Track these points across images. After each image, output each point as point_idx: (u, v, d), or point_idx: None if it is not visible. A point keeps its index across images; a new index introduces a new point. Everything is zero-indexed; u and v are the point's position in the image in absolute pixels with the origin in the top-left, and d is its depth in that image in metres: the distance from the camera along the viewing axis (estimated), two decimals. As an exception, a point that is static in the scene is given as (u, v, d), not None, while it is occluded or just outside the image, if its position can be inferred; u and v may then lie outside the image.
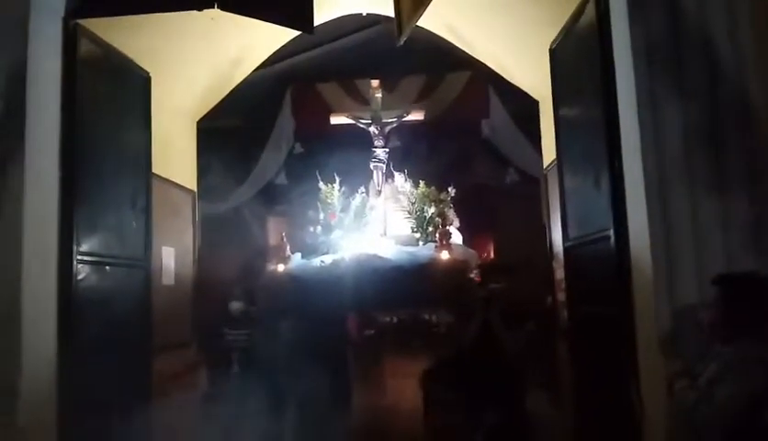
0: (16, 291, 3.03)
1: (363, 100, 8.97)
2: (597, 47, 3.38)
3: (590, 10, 3.50)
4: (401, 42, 4.26)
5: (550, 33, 4.24)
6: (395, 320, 6.28)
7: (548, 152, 5.28)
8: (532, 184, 8.09)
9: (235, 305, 4.76)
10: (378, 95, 8.08)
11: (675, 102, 2.97)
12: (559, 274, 4.87)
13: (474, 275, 6.35)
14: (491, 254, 9.45)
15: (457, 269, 6.47)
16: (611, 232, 3.25)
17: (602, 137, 3.34)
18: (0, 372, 2.98)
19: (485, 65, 6.22)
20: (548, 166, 5.11)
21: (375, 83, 8.17)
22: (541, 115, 5.50)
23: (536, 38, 4.55)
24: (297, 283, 6.24)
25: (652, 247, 2.88)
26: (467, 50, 5.81)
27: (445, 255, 6.60)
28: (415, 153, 8.69)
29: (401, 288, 6.25)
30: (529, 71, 5.30)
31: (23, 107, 3.21)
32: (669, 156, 2.96)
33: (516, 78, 5.72)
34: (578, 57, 3.73)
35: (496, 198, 9.96)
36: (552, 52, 4.19)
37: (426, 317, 6.40)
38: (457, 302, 5.73)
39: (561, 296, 4.87)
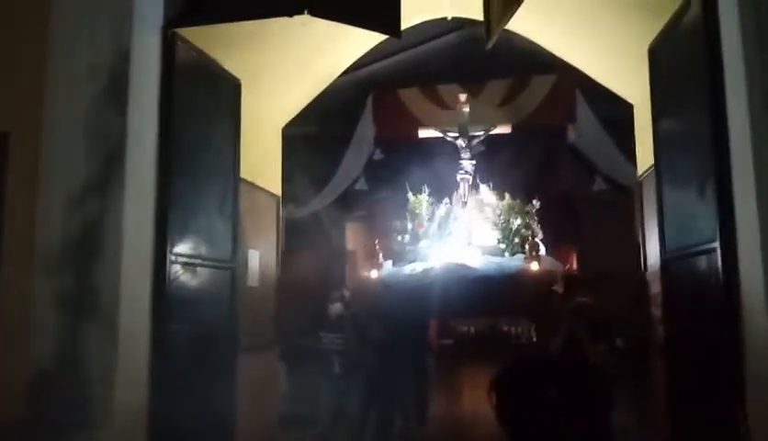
0: (116, 289, 3.16)
1: (445, 106, 8.90)
2: (703, 45, 3.16)
3: (695, 5, 3.28)
4: (490, 45, 4.17)
5: (647, 34, 4.03)
6: (486, 328, 6.40)
7: (643, 159, 5.02)
8: (621, 192, 7.75)
9: (336, 308, 4.80)
10: (466, 109, 8.20)
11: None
12: (654, 287, 4.60)
13: (561, 287, 6.28)
14: (575, 266, 9.14)
15: (545, 281, 6.50)
16: (717, 245, 3.02)
17: (707, 141, 3.12)
18: (96, 380, 3.10)
19: (573, 69, 6.00)
20: (644, 174, 4.84)
21: (463, 97, 8.33)
22: (635, 120, 5.23)
23: (632, 39, 4.33)
24: (390, 290, 6.48)
25: (765, 262, 2.65)
26: (555, 53, 5.62)
27: (534, 267, 6.69)
28: (500, 163, 8.66)
29: (490, 297, 6.35)
30: (623, 74, 5.07)
31: (125, 113, 3.36)
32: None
33: (609, 81, 5.48)
34: (681, 57, 3.51)
35: (583, 208, 9.62)
36: (651, 53, 3.96)
37: (513, 327, 6.48)
38: (545, 314, 5.66)
39: (656, 311, 4.61)
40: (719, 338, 3.02)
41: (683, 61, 3.50)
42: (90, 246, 3.21)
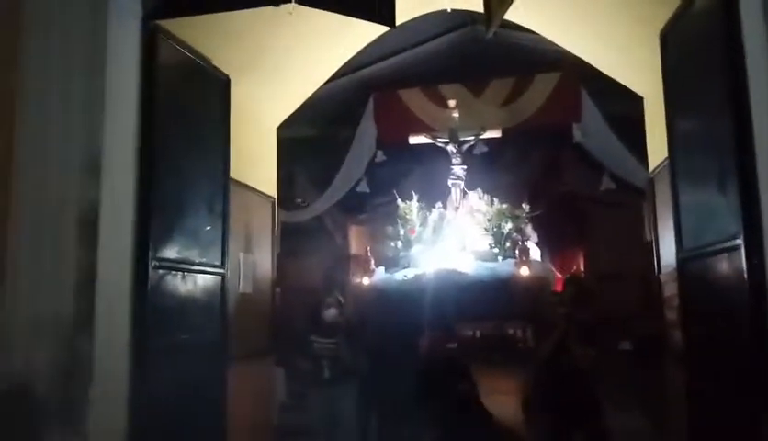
0: (90, 298, 2.94)
1: (447, 105, 8.70)
2: (722, 27, 2.92)
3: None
4: (491, 34, 3.97)
5: (657, 19, 3.79)
6: (477, 334, 6.43)
7: (655, 153, 4.78)
8: (631, 191, 7.51)
9: (331, 312, 4.65)
10: (456, 114, 8.26)
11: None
12: (669, 288, 4.35)
13: (554, 290, 6.24)
14: (581, 268, 8.90)
15: (536, 285, 6.53)
16: (740, 241, 2.77)
17: (728, 131, 2.88)
18: (72, 382, 2.89)
19: (578, 65, 5.78)
20: (656, 169, 4.60)
21: (452, 103, 8.40)
22: (646, 113, 4.99)
23: (641, 24, 4.10)
24: (383, 296, 6.53)
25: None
26: (558, 42, 5.38)
27: (524, 271, 6.65)
28: (493, 167, 8.69)
29: (482, 302, 6.35)
30: (632, 63, 4.82)
31: (102, 110, 3.15)
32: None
33: (617, 73, 5.23)
34: (696, 41, 3.27)
35: (589, 208, 9.38)
36: (663, 38, 3.72)
37: (506, 332, 6.48)
38: (538, 318, 5.57)
39: (670, 313, 4.36)
40: (745, 340, 2.77)
41: (698, 45, 3.26)
42: (62, 250, 2.99)
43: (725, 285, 2.97)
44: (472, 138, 8.11)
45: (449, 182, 8.05)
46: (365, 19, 3.81)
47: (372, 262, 7.43)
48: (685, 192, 3.52)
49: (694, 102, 3.40)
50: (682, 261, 3.56)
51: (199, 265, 3.74)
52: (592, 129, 8.30)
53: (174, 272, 3.50)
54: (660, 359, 4.45)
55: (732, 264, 2.86)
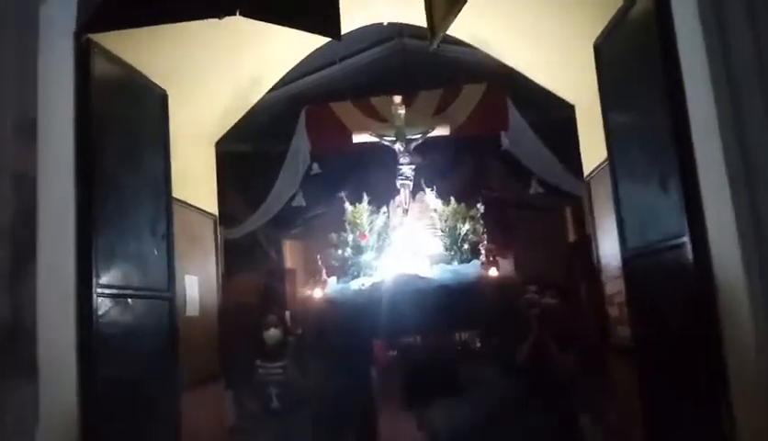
0: (31, 330, 2.73)
1: (378, 117, 8.73)
2: (658, 36, 3.07)
3: (644, -2, 3.21)
4: (434, 47, 4.01)
5: (588, 31, 3.97)
6: (445, 343, 5.85)
7: (589, 158, 4.98)
8: (561, 196, 7.80)
9: (272, 333, 4.35)
10: (402, 111, 7.79)
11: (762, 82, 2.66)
12: (610, 287, 4.54)
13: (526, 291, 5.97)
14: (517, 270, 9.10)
15: (508, 286, 6.04)
16: (686, 238, 2.92)
17: (668, 134, 3.03)
18: (17, 421, 2.66)
19: (509, 74, 5.96)
20: (593, 172, 4.79)
21: (397, 99, 7.91)
22: (578, 119, 5.20)
23: (572, 37, 4.28)
24: (337, 309, 5.88)
25: (743, 252, 2.56)
26: (499, 58, 5.54)
27: (493, 273, 6.28)
28: (441, 169, 8.42)
29: (451, 308, 5.84)
30: (563, 73, 5.03)
31: (34, 129, 2.94)
32: (752, 145, 2.65)
33: (548, 82, 5.43)
34: (632, 49, 3.43)
35: (521, 214, 9.65)
36: (597, 49, 3.89)
37: (478, 338, 6.03)
38: (511, 321, 5.25)
39: (613, 311, 4.54)
40: (695, 333, 2.92)
41: (633, 54, 3.43)
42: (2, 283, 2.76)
43: (673, 281, 3.11)
44: (419, 135, 7.63)
45: (398, 182, 7.48)
46: (310, 32, 3.78)
47: (324, 272, 6.71)
48: (627, 193, 3.67)
49: (630, 106, 3.57)
50: (626, 260, 3.71)
51: (145, 289, 3.55)
52: (518, 137, 8.56)
53: (119, 299, 3.30)
54: (605, 359, 4.60)
55: (679, 260, 3.00)
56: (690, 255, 2.89)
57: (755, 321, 2.52)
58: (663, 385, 3.28)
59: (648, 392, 3.49)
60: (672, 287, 3.13)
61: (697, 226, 2.86)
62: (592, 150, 4.77)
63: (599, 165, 4.50)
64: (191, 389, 3.85)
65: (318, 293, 6.31)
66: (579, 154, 5.24)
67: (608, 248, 4.50)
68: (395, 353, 6.22)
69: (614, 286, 4.42)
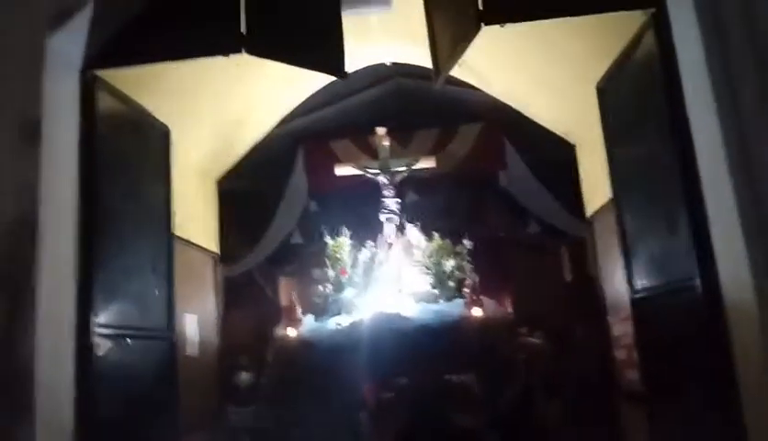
0: (29, 370, 2.64)
1: (375, 154, 8.76)
2: (661, 78, 3.10)
3: (647, 40, 3.25)
4: (439, 85, 4.03)
5: (590, 74, 4.02)
6: (426, 387, 5.65)
7: (590, 198, 4.99)
8: (560, 235, 7.76)
9: (243, 377, 4.18)
10: (386, 143, 7.53)
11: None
12: (617, 329, 4.48)
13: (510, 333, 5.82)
14: (511, 311, 8.98)
15: (492, 328, 5.75)
16: (697, 281, 2.88)
17: (673, 171, 3.03)
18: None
19: (508, 113, 6.01)
20: (596, 212, 4.78)
21: (381, 131, 7.60)
22: (579, 159, 5.22)
23: (574, 80, 4.33)
24: (311, 350, 5.52)
25: (758, 293, 2.52)
26: (493, 95, 5.59)
27: (477, 312, 6.08)
28: (429, 206, 8.32)
29: (432, 350, 5.48)
30: (565, 114, 5.07)
31: (38, 165, 2.91)
32: (761, 180, 2.64)
33: (548, 123, 5.48)
34: (636, 89, 3.46)
35: (514, 252, 9.61)
36: (600, 91, 3.92)
37: (461, 382, 5.81)
38: (496, 364, 5.09)
39: (620, 354, 4.46)
40: (706, 373, 2.86)
41: (638, 94, 3.45)
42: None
43: (684, 323, 3.06)
44: (404, 168, 7.31)
45: (382, 217, 7.11)
46: (315, 70, 3.79)
47: (299, 310, 6.24)
48: (633, 233, 3.65)
49: (636, 146, 3.58)
50: (635, 301, 3.66)
51: (145, 329, 3.47)
52: (516, 175, 8.58)
53: (118, 339, 3.21)
54: (614, 403, 4.49)
55: (689, 302, 2.95)
56: (701, 297, 2.85)
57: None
58: (676, 428, 3.20)
59: (659, 437, 3.40)
60: (684, 328, 3.08)
61: (708, 266, 2.83)
62: (594, 190, 4.78)
63: (601, 207, 4.49)
64: (190, 432, 3.72)
65: (292, 333, 5.88)
66: (579, 194, 5.24)
67: (612, 289, 4.46)
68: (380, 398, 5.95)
69: (620, 328, 4.36)
